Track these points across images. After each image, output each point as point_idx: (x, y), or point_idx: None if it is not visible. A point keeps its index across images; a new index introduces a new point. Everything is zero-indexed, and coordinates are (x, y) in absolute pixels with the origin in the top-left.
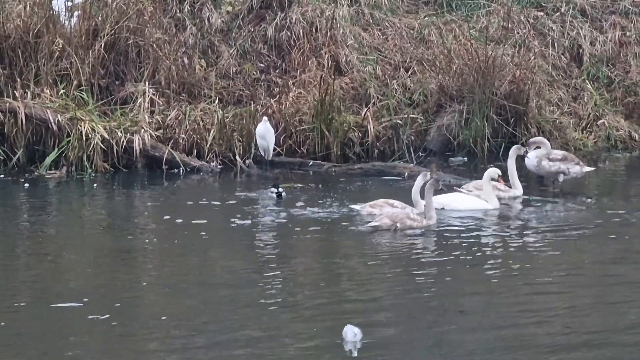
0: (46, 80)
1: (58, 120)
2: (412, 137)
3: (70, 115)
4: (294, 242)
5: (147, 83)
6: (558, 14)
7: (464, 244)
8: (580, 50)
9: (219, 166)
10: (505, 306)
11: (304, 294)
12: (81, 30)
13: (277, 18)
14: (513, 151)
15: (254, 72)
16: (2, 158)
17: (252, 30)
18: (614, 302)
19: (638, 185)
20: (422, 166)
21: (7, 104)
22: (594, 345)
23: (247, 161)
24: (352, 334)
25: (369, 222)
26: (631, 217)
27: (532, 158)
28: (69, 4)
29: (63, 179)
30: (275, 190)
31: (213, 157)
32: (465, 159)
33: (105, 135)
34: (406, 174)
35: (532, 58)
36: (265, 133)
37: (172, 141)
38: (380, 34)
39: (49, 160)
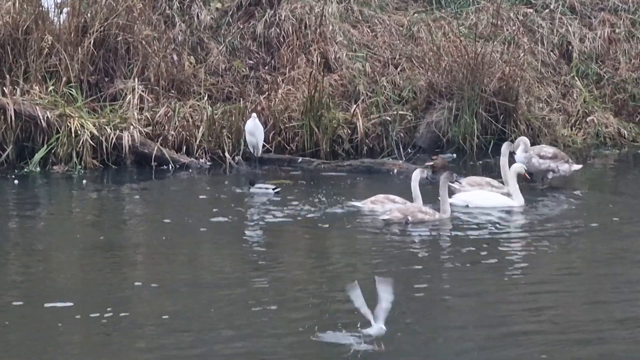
0: (35, 76)
1: (47, 117)
2: (401, 134)
3: (60, 112)
4: (285, 240)
5: (136, 80)
6: (547, 10)
7: (468, 241)
8: (570, 47)
9: (208, 163)
10: (499, 304)
11: (294, 293)
12: (70, 27)
13: (267, 15)
14: (505, 148)
15: (243, 69)
16: None
17: (242, 27)
18: (608, 301)
19: (627, 183)
20: (412, 163)
21: None
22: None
23: (236, 158)
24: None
25: (380, 216)
26: (621, 215)
27: (520, 155)
28: (58, 0)
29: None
30: (271, 187)
31: (202, 153)
32: (454, 155)
33: (95, 131)
34: (395, 171)
35: (522, 55)
36: (254, 130)
37: (161, 138)
38: (369, 30)
39: (38, 156)
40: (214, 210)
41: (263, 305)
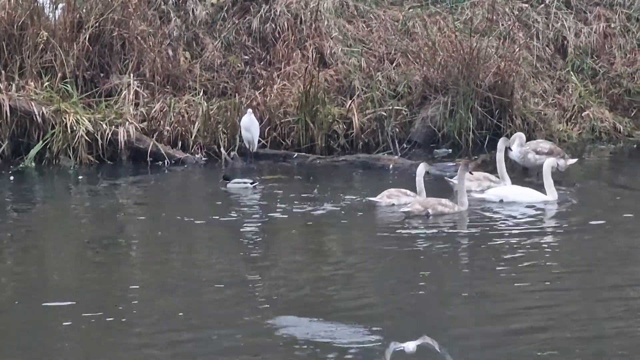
0: (30, 72)
1: (43, 113)
2: (397, 129)
3: (55, 108)
4: (283, 236)
5: (131, 75)
6: (542, 5)
7: (478, 236)
8: (565, 42)
9: (203, 158)
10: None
11: (292, 293)
12: (66, 23)
13: (262, 10)
14: (501, 143)
15: (239, 64)
16: None
17: (237, 22)
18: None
19: (622, 177)
20: (407, 158)
21: None
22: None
23: (232, 153)
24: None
25: (401, 209)
26: (616, 213)
27: (516, 150)
28: None
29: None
30: (248, 181)
31: (198, 149)
32: (450, 150)
33: (90, 127)
34: (391, 166)
35: (517, 50)
36: (249, 125)
37: (156, 133)
38: (364, 25)
39: (33, 152)
40: (210, 206)
41: (261, 304)
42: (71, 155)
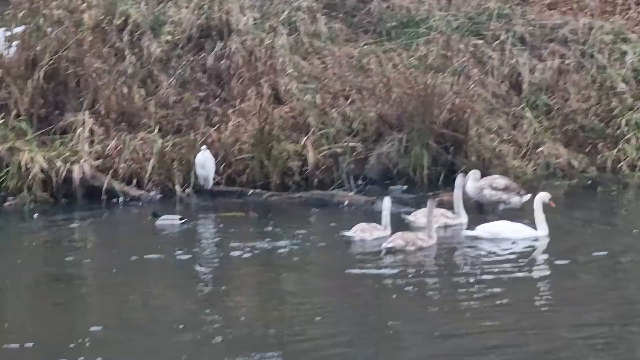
0: None
1: None
2: (352, 166)
3: (10, 145)
4: (237, 275)
5: (86, 112)
6: (497, 42)
7: (450, 272)
8: (520, 78)
9: (158, 195)
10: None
11: (250, 331)
12: (20, 60)
13: (217, 47)
14: (459, 180)
15: (194, 101)
16: None
17: (192, 59)
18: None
19: (576, 214)
20: (362, 195)
21: None
22: None
23: (186, 190)
24: None
25: (383, 245)
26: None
27: (471, 185)
28: (8, 33)
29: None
30: (176, 217)
31: (153, 186)
32: (405, 187)
33: (45, 165)
34: (346, 203)
35: (472, 86)
36: (204, 162)
37: (111, 171)
38: (319, 62)
39: None
40: (165, 243)
41: (215, 346)
42: (26, 193)
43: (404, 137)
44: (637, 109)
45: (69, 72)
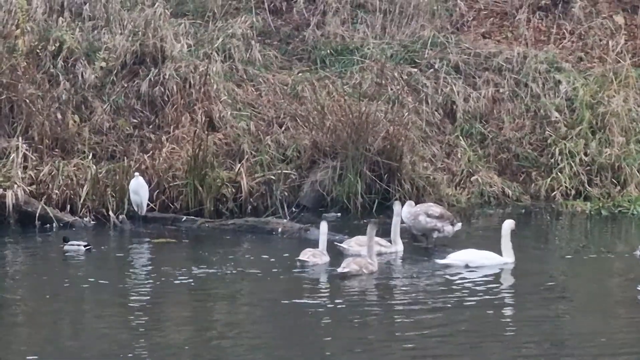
0: None
1: None
2: (286, 193)
3: None
4: (169, 303)
5: (20, 138)
6: (432, 70)
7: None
8: (454, 107)
9: (92, 222)
10: None
11: None
12: None
13: (151, 74)
14: (398, 208)
15: (127, 128)
16: None
17: (126, 85)
18: None
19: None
20: (296, 222)
21: None
22: None
23: (120, 217)
24: None
25: (338, 270)
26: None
27: (406, 212)
28: None
29: None
30: (82, 243)
31: (86, 212)
32: (339, 214)
33: None
34: (279, 230)
35: (406, 114)
36: (138, 188)
37: (45, 196)
38: (254, 89)
39: None
40: (97, 270)
41: None
42: None
43: (337, 164)
44: (571, 138)
45: (2, 97)
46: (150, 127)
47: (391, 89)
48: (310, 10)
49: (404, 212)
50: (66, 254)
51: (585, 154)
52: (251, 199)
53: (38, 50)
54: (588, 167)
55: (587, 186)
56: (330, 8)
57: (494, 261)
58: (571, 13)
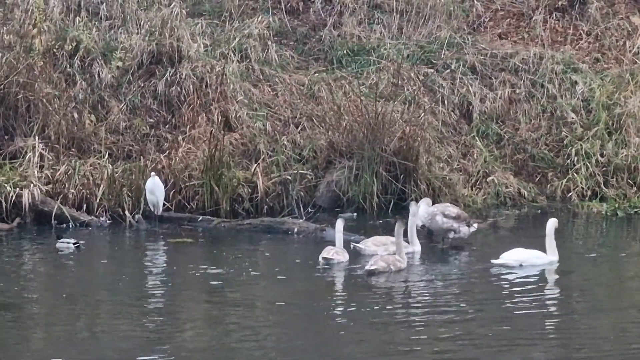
0: None
1: None
2: (302, 193)
3: None
4: (186, 304)
5: (36, 138)
6: (448, 70)
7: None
8: (470, 107)
9: (108, 221)
10: None
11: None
12: None
13: (167, 73)
14: (414, 208)
15: (144, 128)
16: None
17: (142, 85)
18: None
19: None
20: (312, 222)
21: None
22: None
23: (136, 216)
24: None
25: (365, 267)
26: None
27: (423, 211)
28: None
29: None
30: (71, 241)
31: (102, 212)
32: (355, 215)
33: None
34: (295, 230)
35: (422, 115)
36: (154, 188)
37: (61, 196)
38: (270, 89)
39: None
40: (113, 270)
41: None
42: None
43: (353, 164)
44: (587, 138)
45: (19, 97)
46: (167, 126)
47: (407, 90)
48: (327, 11)
49: (421, 210)
50: (58, 252)
51: (602, 155)
52: (267, 199)
53: (55, 50)
54: (604, 168)
55: (603, 187)
56: (346, 8)
57: (544, 260)
58: (588, 14)
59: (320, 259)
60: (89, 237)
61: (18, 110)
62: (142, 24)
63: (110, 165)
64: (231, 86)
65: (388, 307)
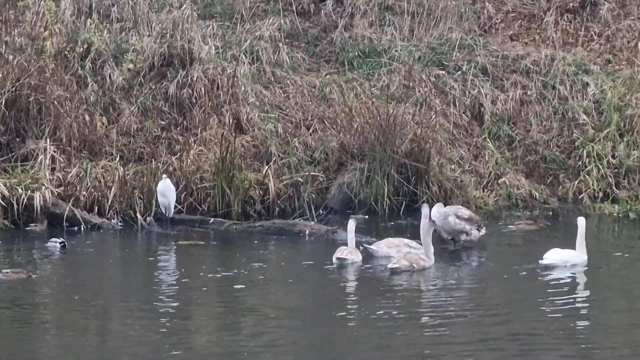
0: None
1: None
2: (313, 195)
3: None
4: (197, 305)
5: (48, 140)
6: (459, 72)
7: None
8: (482, 109)
9: (119, 223)
10: None
11: None
12: None
13: (179, 75)
14: (425, 210)
15: (155, 130)
16: None
17: (154, 87)
18: None
19: (538, 245)
20: (323, 224)
21: None
22: None
23: (147, 219)
24: None
25: (388, 266)
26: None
27: (436, 212)
28: None
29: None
30: (57, 240)
31: (114, 214)
32: (366, 216)
33: (6, 192)
34: (307, 232)
35: (433, 116)
36: (165, 190)
37: (73, 198)
38: (281, 91)
39: None
40: (125, 272)
41: None
42: None
43: (365, 166)
44: (598, 140)
45: (30, 99)
46: (178, 129)
47: (419, 91)
48: (338, 13)
49: (434, 212)
50: (47, 250)
51: (613, 157)
52: (279, 201)
53: (66, 52)
54: (616, 170)
55: (615, 188)
56: (358, 10)
57: (582, 259)
58: (599, 15)
59: (334, 259)
60: (101, 239)
61: (29, 112)
62: (153, 26)
63: (121, 168)
64: (242, 88)
65: (410, 310)
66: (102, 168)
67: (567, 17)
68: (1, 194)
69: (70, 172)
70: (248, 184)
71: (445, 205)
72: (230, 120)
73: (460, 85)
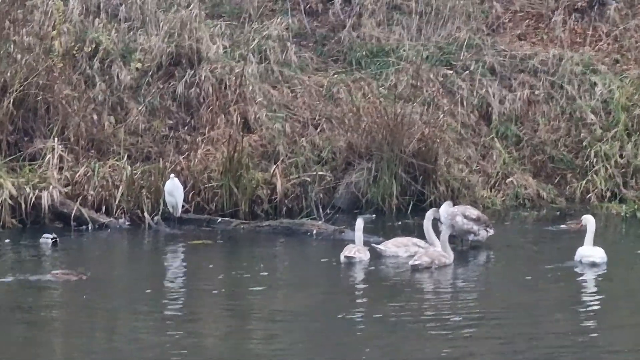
0: None
1: None
2: (321, 195)
3: None
4: (204, 307)
5: (56, 139)
6: (467, 72)
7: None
8: (489, 109)
9: (127, 223)
10: None
11: None
12: None
13: (187, 75)
14: (430, 213)
15: (163, 129)
16: None
17: (161, 87)
18: None
19: (544, 245)
20: (331, 223)
21: None
22: None
23: (155, 218)
24: None
25: (409, 263)
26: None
27: (444, 211)
28: None
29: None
30: (49, 236)
31: (121, 213)
32: (374, 216)
33: (13, 191)
34: (314, 232)
35: (441, 116)
36: (173, 190)
37: (80, 197)
38: (289, 91)
39: None
40: (132, 271)
41: None
42: None
43: (372, 166)
44: (606, 140)
45: (38, 98)
46: (186, 128)
47: (426, 91)
48: (346, 12)
49: (442, 210)
50: (40, 246)
51: (621, 156)
52: (286, 201)
53: (74, 52)
54: (623, 170)
55: (623, 188)
56: (366, 10)
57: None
58: (607, 15)
59: (342, 257)
60: (108, 239)
61: (37, 111)
62: (161, 25)
63: (129, 167)
64: (250, 88)
65: (423, 312)
66: (109, 167)
67: (575, 16)
68: (9, 193)
69: (78, 171)
70: (255, 183)
71: (453, 204)
72: (238, 120)
73: (468, 85)
